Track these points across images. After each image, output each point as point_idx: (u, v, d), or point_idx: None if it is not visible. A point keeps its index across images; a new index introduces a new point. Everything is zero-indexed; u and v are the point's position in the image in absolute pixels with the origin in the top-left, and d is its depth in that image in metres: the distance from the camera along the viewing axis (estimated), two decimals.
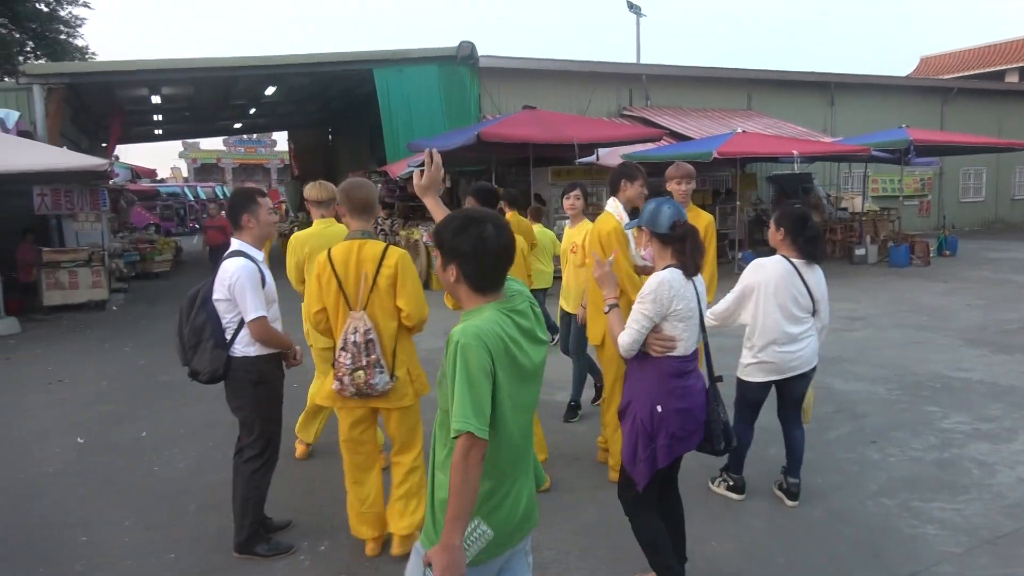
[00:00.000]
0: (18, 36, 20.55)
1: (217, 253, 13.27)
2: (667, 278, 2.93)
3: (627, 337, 2.95)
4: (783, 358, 3.86)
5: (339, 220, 4.19)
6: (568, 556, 3.57)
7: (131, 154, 41.69)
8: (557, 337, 8.33)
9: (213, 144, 57.69)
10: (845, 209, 18.88)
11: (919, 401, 5.77)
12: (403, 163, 15.06)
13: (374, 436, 3.66)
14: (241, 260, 3.44)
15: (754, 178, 17.13)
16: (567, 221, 5.75)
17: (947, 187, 23.53)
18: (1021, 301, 10.04)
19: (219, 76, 15.88)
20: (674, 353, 2.96)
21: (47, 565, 3.67)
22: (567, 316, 5.73)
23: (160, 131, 26.24)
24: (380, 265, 3.34)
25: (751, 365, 3.94)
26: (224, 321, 3.44)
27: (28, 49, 20.87)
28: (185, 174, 58.50)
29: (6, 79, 19.65)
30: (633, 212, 4.19)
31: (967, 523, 3.76)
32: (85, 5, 21.44)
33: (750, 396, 3.98)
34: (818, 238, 3.88)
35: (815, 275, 3.89)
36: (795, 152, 11.87)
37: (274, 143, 58.13)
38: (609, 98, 18.31)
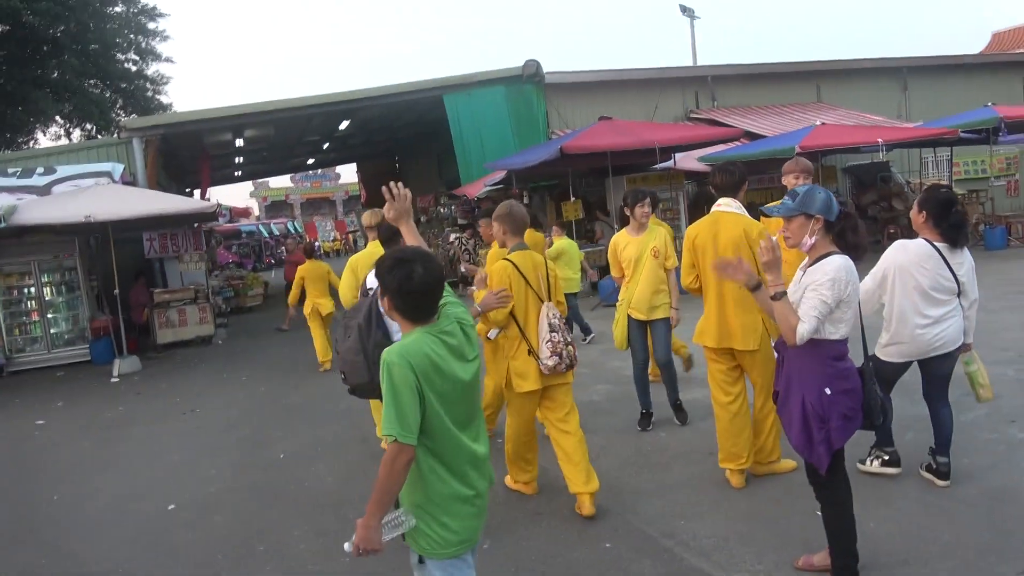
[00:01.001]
0: (108, 95, 21.94)
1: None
2: (843, 264, 2.97)
3: (808, 325, 2.96)
4: (923, 339, 3.90)
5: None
6: (728, 543, 3.67)
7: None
8: (591, 337, 9.23)
9: (281, 182, 59.96)
10: None
11: None
12: (479, 183, 15.43)
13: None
14: None
15: (833, 171, 16.81)
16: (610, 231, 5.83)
17: None
18: None
19: (299, 115, 16.60)
20: (835, 336, 3.02)
21: (237, 571, 3.99)
22: (640, 326, 5.52)
23: (239, 172, 27.48)
24: (547, 269, 4.32)
25: (890, 346, 3.99)
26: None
27: (119, 107, 22.23)
28: (256, 212, 60.85)
29: (101, 135, 21.04)
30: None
31: None
32: (168, 60, 22.75)
33: (885, 374, 4.01)
34: (963, 224, 3.92)
35: (961, 256, 3.92)
36: (880, 140, 11.67)
37: (338, 176, 59.95)
38: (675, 102, 18.32)
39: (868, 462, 4.29)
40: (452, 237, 18.21)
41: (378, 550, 2.19)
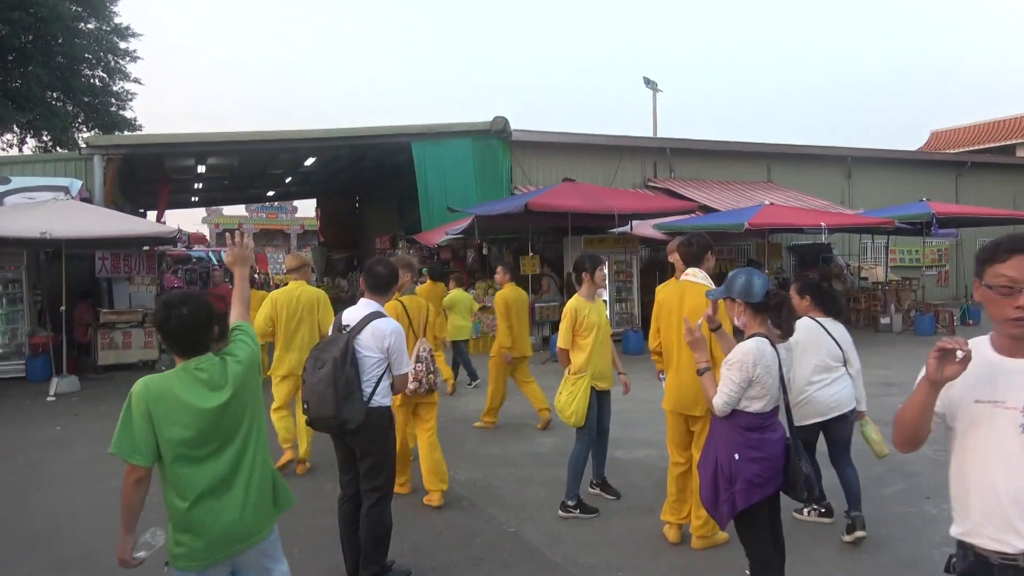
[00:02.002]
0: (71, 109, 21.68)
1: (218, 320, 13.60)
2: (752, 348, 3.22)
3: (720, 400, 3.25)
4: (820, 398, 4.48)
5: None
6: None
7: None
8: (475, 383, 10.06)
9: (235, 210, 59.06)
10: (866, 279, 19.30)
11: None
12: (440, 231, 15.68)
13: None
14: (395, 322, 3.95)
15: (779, 248, 17.63)
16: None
17: (965, 257, 23.93)
18: None
19: (267, 148, 16.72)
20: (750, 409, 3.24)
21: None
22: (600, 396, 5.14)
23: (196, 198, 27.23)
24: (428, 311, 5.58)
25: (797, 410, 4.41)
26: (367, 376, 3.84)
27: (80, 121, 21.96)
28: (208, 238, 59.76)
29: (57, 149, 20.72)
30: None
31: None
32: (136, 81, 22.66)
33: (800, 437, 4.36)
34: (836, 298, 4.66)
35: (839, 329, 4.59)
36: (823, 224, 12.38)
37: (295, 209, 59.55)
38: (635, 170, 19.05)
39: (806, 512, 4.79)
40: None
41: (130, 565, 2.50)
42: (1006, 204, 22.45)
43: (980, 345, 2.08)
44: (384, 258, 4.55)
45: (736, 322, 3.40)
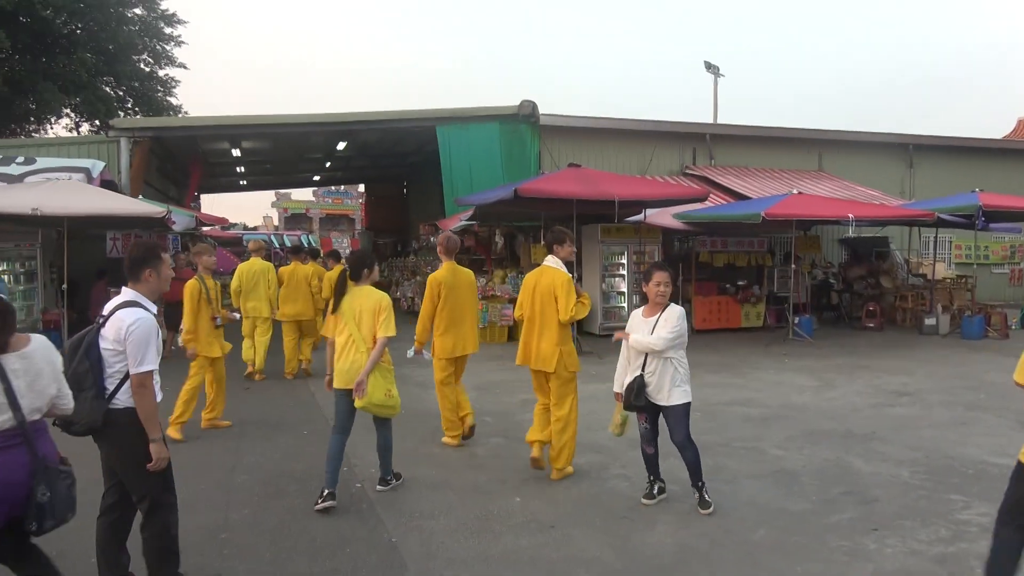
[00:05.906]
0: (120, 93, 22.35)
1: (172, 309, 12.97)
2: None
3: None
4: None
5: None
6: None
7: (223, 204, 44.68)
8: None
9: (303, 195, 60.83)
10: (923, 276, 17.89)
11: (942, 488, 5.28)
12: (455, 218, 15.36)
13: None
14: (141, 311, 3.45)
15: (817, 240, 16.50)
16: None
17: None
18: None
19: (291, 132, 16.73)
20: None
21: None
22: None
23: (244, 182, 27.78)
24: None
25: None
26: (109, 371, 3.39)
27: (128, 105, 22.62)
28: (276, 223, 61.71)
29: (101, 132, 21.39)
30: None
31: None
32: (182, 66, 23.17)
33: None
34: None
35: None
36: (851, 216, 11.36)
37: (360, 195, 60.67)
38: (672, 156, 18.19)
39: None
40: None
41: None
42: None
43: None
44: (147, 239, 4.10)
45: None
